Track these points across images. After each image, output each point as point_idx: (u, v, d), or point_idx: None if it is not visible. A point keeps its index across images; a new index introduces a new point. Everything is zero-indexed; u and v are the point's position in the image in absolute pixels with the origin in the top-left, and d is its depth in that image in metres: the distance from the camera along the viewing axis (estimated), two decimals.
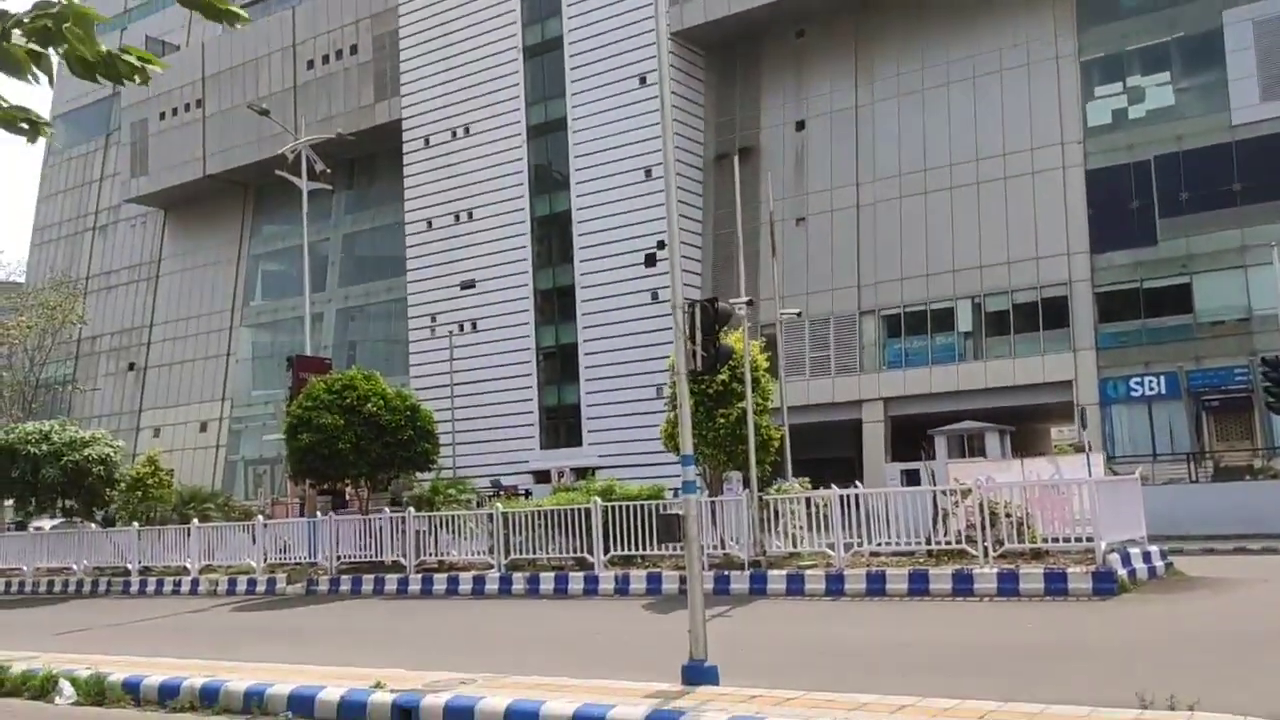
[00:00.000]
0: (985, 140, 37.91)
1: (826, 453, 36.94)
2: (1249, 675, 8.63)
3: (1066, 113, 36.81)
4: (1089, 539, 14.42)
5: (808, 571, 16.04)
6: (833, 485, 16.96)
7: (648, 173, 41.88)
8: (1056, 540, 15.00)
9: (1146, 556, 15.39)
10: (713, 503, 18.10)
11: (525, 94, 46.35)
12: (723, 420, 19.07)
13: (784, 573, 16.20)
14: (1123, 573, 14.11)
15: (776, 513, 17.27)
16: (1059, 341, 35.91)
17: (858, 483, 19.37)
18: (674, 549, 17.44)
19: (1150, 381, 34.35)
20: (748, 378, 18.12)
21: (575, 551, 18.46)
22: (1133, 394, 34.65)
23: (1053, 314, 36.15)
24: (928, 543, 15.86)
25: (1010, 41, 37.97)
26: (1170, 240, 34.54)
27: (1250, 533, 23.64)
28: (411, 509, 20.99)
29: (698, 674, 8.64)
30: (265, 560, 22.40)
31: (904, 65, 39.97)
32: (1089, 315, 35.54)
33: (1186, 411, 33.84)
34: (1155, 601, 13.28)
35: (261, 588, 21.76)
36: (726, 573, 16.68)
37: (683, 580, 14.88)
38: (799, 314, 36.14)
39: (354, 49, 52.96)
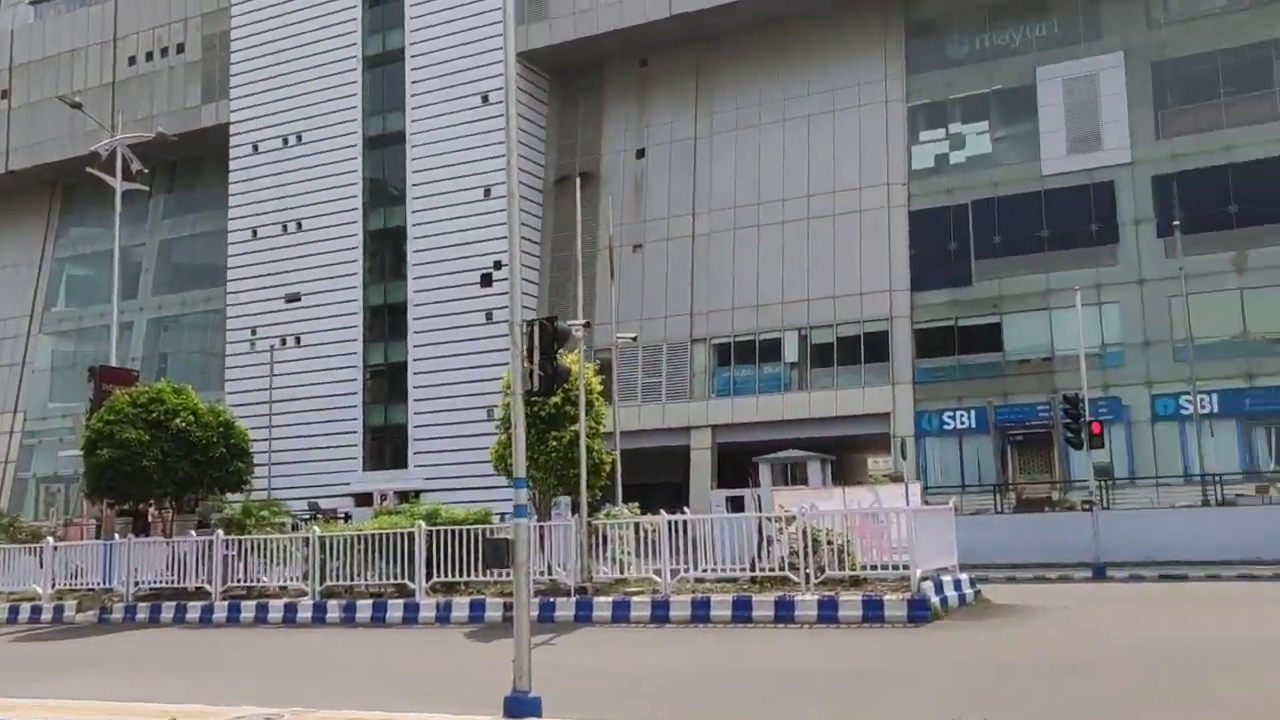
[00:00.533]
0: (816, 177, 39.15)
1: (655, 478, 37.13)
2: (1052, 698, 8.95)
3: (893, 155, 38.43)
4: (905, 567, 14.84)
5: (634, 598, 15.92)
6: (661, 511, 16.92)
7: (487, 192, 41.37)
8: (875, 568, 15.38)
9: (957, 584, 15.98)
10: (541, 527, 17.80)
11: (363, 105, 45.11)
12: (555, 443, 18.86)
13: (610, 599, 16.04)
14: (935, 600, 14.58)
15: (605, 538, 17.12)
16: (879, 375, 37.27)
17: (685, 509, 19.43)
18: (499, 575, 17.04)
19: (962, 416, 36.06)
20: (582, 400, 17.94)
21: (396, 578, 17.79)
22: (945, 427, 36.28)
23: (874, 348, 37.52)
24: (752, 569, 16.02)
25: (843, 83, 39.40)
26: (984, 281, 36.43)
27: (1049, 561, 25.02)
28: (220, 532, 19.82)
29: (520, 706, 8.38)
30: (53, 586, 20.71)
31: (742, 100, 40.94)
32: (908, 350, 37.05)
33: (993, 445, 35.66)
34: (965, 628, 13.76)
35: (48, 616, 20.10)
36: (552, 599, 16.40)
37: (507, 608, 14.53)
38: (634, 339, 36.31)
39: (180, 47, 50.45)
